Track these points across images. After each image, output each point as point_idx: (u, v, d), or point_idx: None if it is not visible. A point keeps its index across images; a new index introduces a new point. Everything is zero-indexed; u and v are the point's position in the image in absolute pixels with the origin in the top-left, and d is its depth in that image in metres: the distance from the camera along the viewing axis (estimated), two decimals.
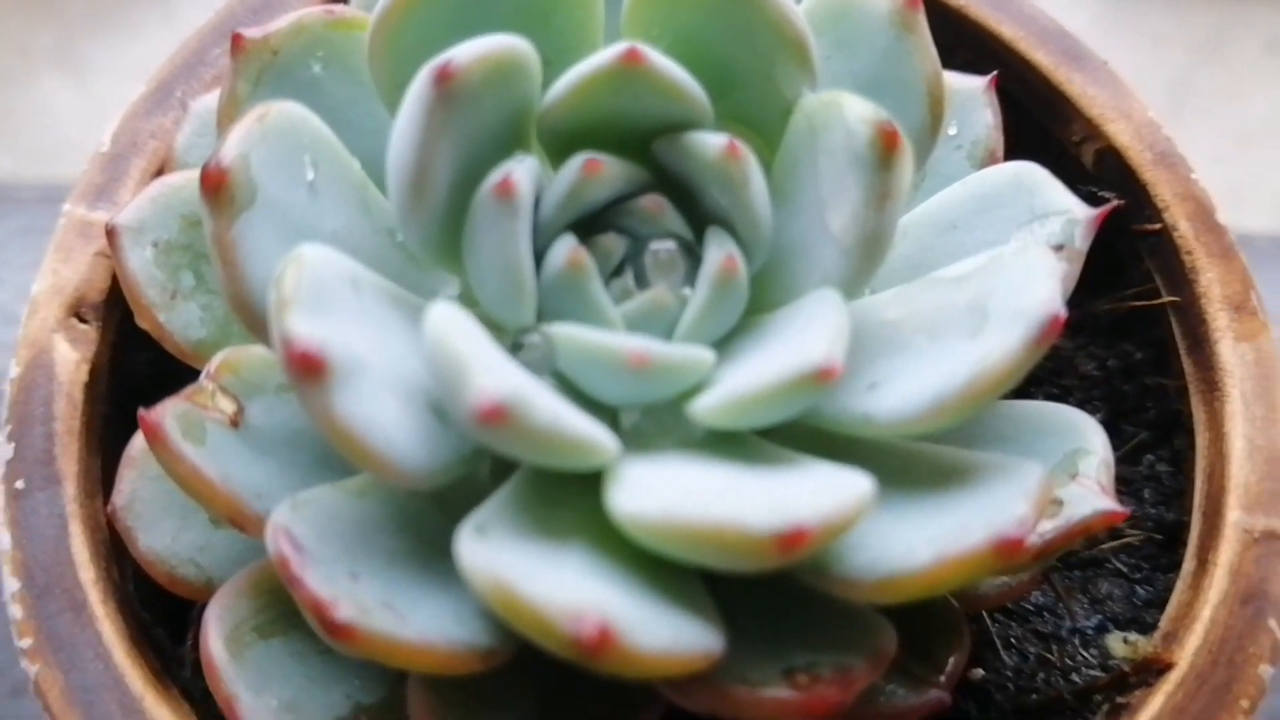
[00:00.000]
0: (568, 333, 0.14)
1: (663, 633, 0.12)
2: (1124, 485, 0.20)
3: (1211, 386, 0.18)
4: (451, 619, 0.13)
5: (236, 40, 0.15)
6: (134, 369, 0.18)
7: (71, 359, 0.17)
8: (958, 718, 0.18)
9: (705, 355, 0.14)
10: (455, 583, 0.13)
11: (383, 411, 0.13)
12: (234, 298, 0.13)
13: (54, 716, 0.15)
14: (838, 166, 0.14)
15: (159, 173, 0.18)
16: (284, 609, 0.15)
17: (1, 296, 0.34)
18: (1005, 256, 0.14)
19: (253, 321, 0.13)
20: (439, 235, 0.14)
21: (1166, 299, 0.19)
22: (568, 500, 0.14)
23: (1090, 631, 0.19)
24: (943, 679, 0.15)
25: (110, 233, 0.15)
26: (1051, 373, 0.21)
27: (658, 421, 0.15)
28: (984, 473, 0.14)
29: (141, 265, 0.15)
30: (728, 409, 0.13)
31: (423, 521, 0.14)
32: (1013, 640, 0.19)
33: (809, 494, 0.12)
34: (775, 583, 0.14)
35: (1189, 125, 0.56)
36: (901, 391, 0.14)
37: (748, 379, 0.13)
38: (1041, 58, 0.19)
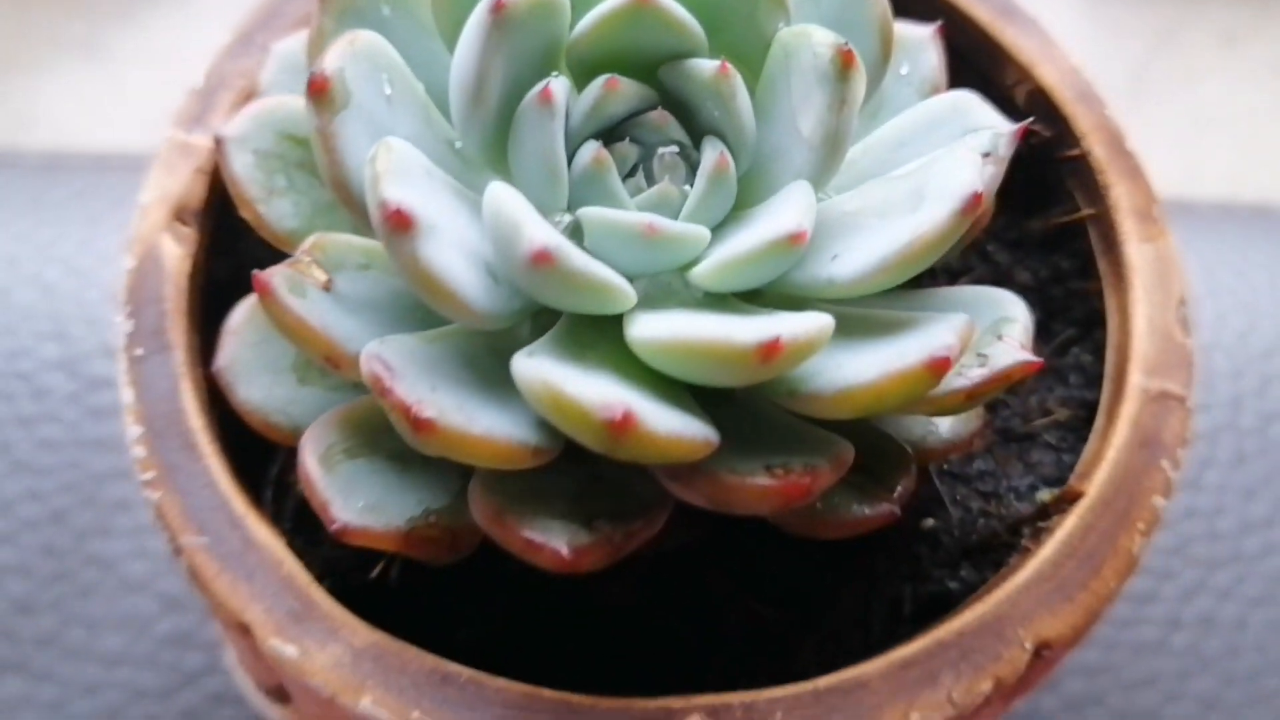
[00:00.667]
0: (593, 212, 0.17)
1: (672, 422, 0.16)
2: (1053, 373, 0.24)
3: (1121, 281, 0.22)
4: (509, 422, 0.16)
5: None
6: (219, 273, 0.22)
7: (176, 253, 0.21)
8: (912, 559, 0.22)
9: (703, 231, 0.18)
10: (511, 400, 0.17)
11: (455, 263, 0.16)
12: (334, 179, 0.17)
13: (174, 534, 0.19)
14: (806, 81, 0.18)
15: (245, 103, 0.22)
16: (365, 438, 0.18)
17: (67, 248, 0.37)
18: (939, 156, 0.18)
19: (348, 198, 0.17)
20: (491, 137, 0.18)
21: (1085, 213, 0.23)
22: (596, 342, 0.17)
23: (1024, 489, 0.22)
24: (894, 497, 0.19)
25: (218, 142, 0.19)
26: (993, 284, 0.25)
27: (664, 287, 0.18)
28: (922, 321, 0.17)
29: (244, 169, 0.19)
30: (719, 271, 0.17)
31: (481, 362, 0.17)
32: (959, 498, 0.23)
33: (784, 322, 0.16)
34: (755, 405, 0.18)
35: (1148, 111, 0.60)
36: (856, 258, 0.17)
37: (735, 247, 0.17)
38: (980, 13, 0.23)
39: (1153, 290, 0.21)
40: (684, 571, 0.21)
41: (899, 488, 0.19)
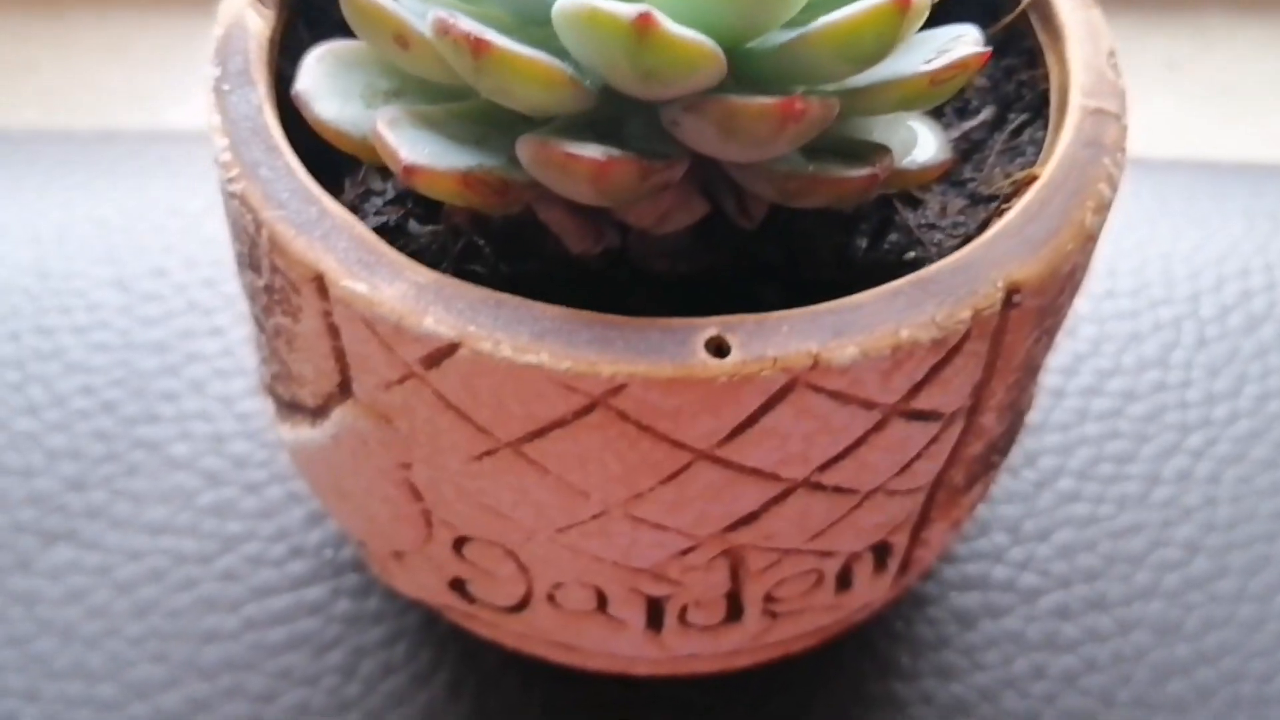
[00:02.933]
0: None
1: (686, 31, 0.19)
2: (1012, 150, 0.27)
3: (1058, 40, 0.25)
4: (549, 57, 0.20)
5: None
6: (293, 47, 0.25)
7: (258, 23, 0.24)
8: (901, 264, 0.25)
9: None
10: (549, 48, 0.20)
11: None
12: None
13: (255, 213, 0.22)
14: None
15: None
16: (426, 119, 0.21)
17: (118, 194, 0.41)
18: None
19: None
20: None
21: (1025, 2, 0.26)
22: None
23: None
24: (875, 165, 0.22)
25: None
26: (956, 95, 0.28)
27: None
28: None
29: None
30: None
31: (522, 27, 0.21)
32: (936, 241, 0.26)
33: None
34: (753, 62, 0.21)
35: None
36: None
37: None
38: None
39: (1085, 43, 0.25)
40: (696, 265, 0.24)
41: (880, 162, 0.22)
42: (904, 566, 0.29)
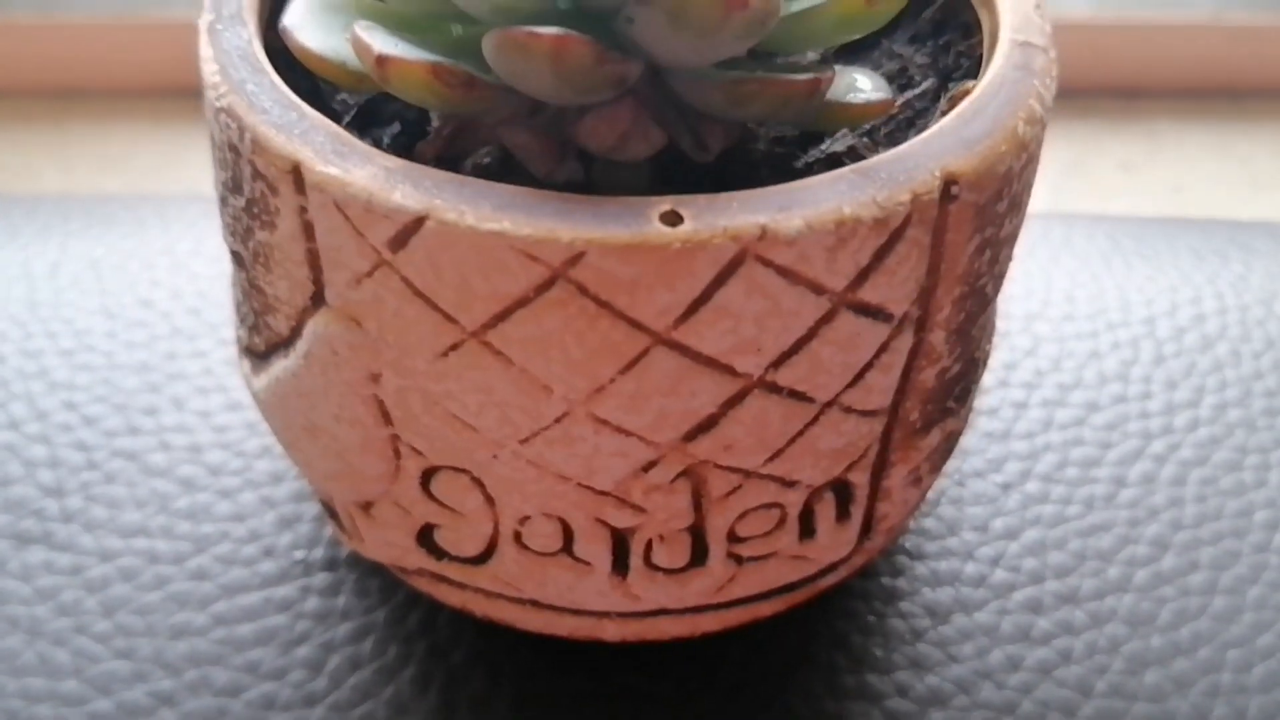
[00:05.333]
0: None
1: None
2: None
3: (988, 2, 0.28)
4: None
5: None
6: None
7: None
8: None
9: None
10: None
11: None
12: None
13: (240, 119, 0.23)
14: None
15: None
16: (400, 30, 0.23)
17: (111, 238, 0.43)
18: None
19: None
20: None
21: None
22: None
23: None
24: (818, 75, 0.23)
25: None
26: (899, 71, 0.30)
27: None
28: None
29: None
30: None
31: None
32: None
33: None
34: None
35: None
36: None
37: None
38: None
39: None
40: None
41: (823, 74, 0.24)
42: (867, 523, 0.29)
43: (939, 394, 0.27)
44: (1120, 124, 0.69)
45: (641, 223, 0.22)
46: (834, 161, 0.28)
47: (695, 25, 0.22)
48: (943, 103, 0.27)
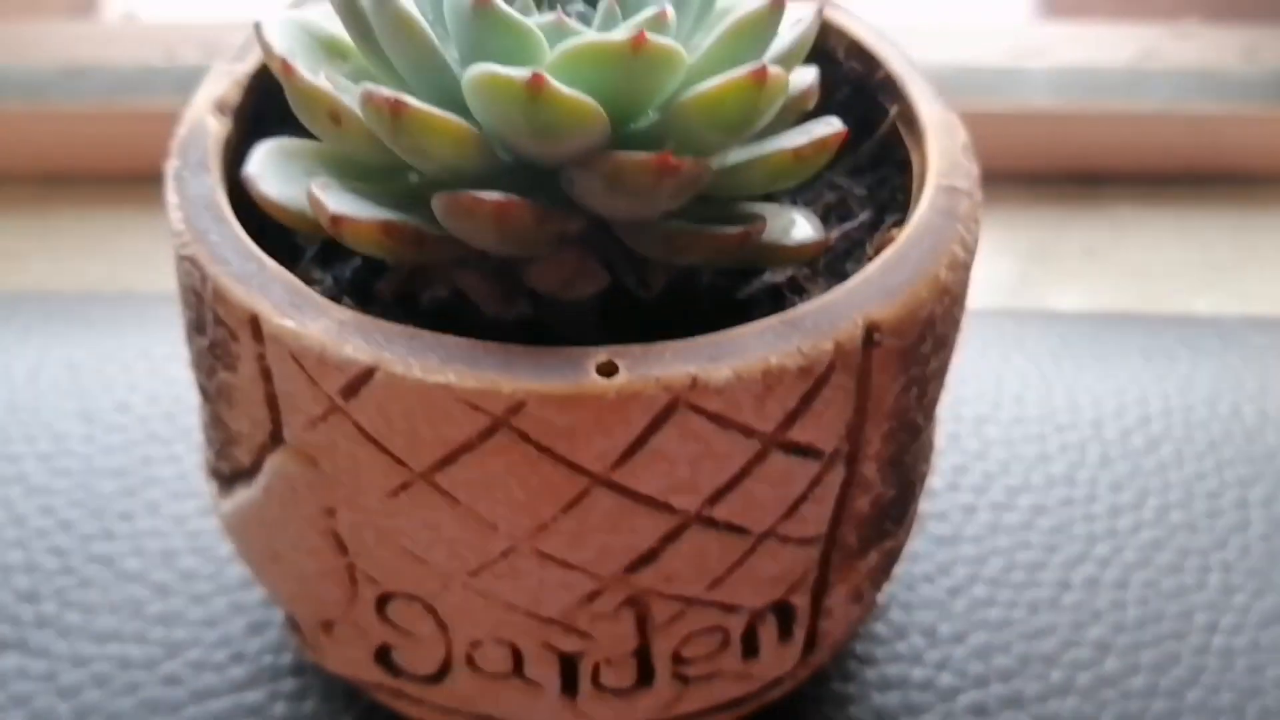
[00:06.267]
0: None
1: (574, 94, 0.22)
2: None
3: (918, 137, 0.29)
4: (457, 116, 0.23)
5: None
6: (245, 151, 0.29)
7: (215, 126, 0.28)
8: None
9: (599, 35, 0.25)
10: (457, 112, 0.23)
11: (421, 17, 0.24)
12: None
13: (203, 269, 0.25)
14: None
15: None
16: (355, 185, 0.25)
17: (90, 338, 0.44)
18: None
19: (350, 5, 0.25)
20: None
21: (893, 112, 0.30)
22: None
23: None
24: (748, 226, 0.25)
25: (256, 26, 0.27)
26: (839, 203, 0.32)
27: None
28: None
29: (275, 38, 0.26)
30: None
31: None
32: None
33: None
34: (633, 133, 0.24)
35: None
36: (708, 35, 0.25)
37: (618, 28, 0.25)
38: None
39: (941, 137, 0.29)
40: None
41: (754, 225, 0.25)
42: (810, 640, 0.30)
43: (875, 519, 0.28)
44: (1084, 209, 0.71)
45: (579, 373, 0.23)
46: (774, 293, 0.29)
47: (630, 188, 0.24)
48: (869, 248, 0.28)
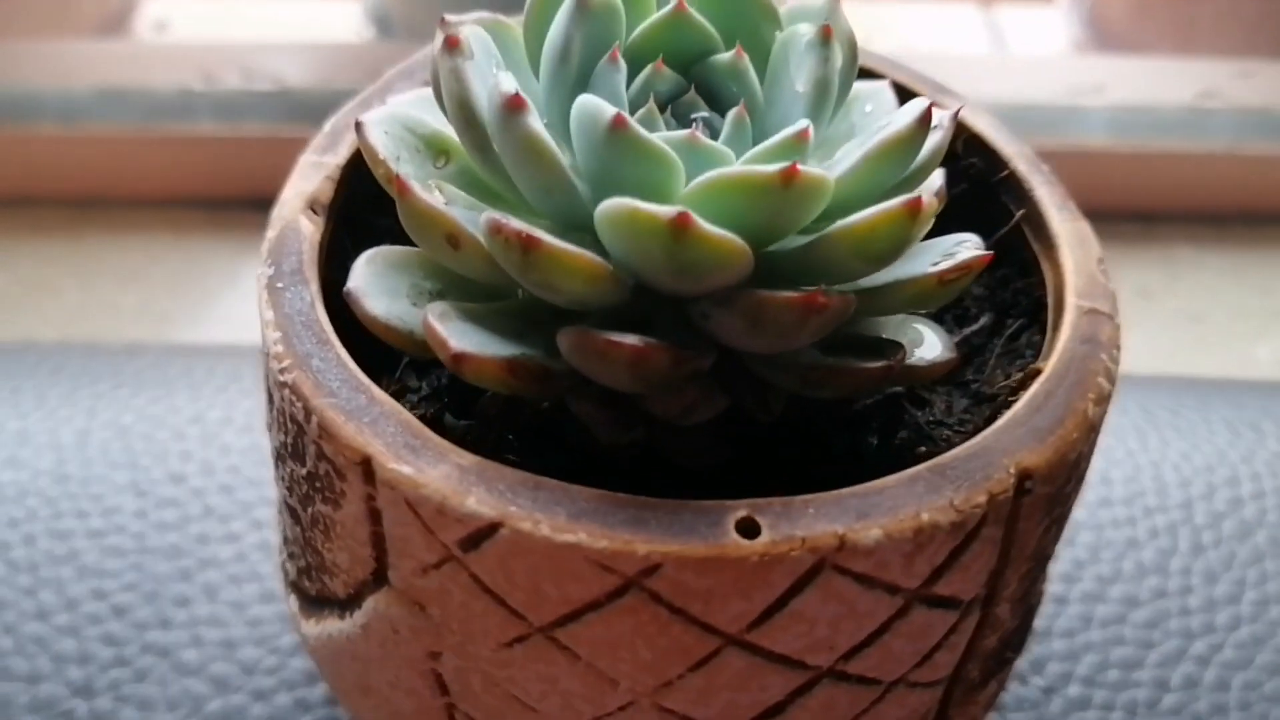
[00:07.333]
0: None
1: (719, 230, 0.21)
2: (1011, 353, 0.29)
3: (1050, 248, 0.27)
4: (594, 250, 0.21)
5: (443, 20, 0.25)
6: (339, 251, 0.27)
7: (309, 228, 0.26)
8: (914, 458, 0.26)
9: (729, 151, 0.24)
10: (590, 247, 0.22)
11: (551, 139, 0.22)
12: (459, 102, 0.23)
13: (306, 400, 0.23)
14: (799, 55, 0.24)
15: None
16: (473, 314, 0.23)
17: (138, 401, 0.42)
18: (900, 110, 0.24)
19: (468, 116, 0.23)
20: (570, 95, 0.24)
21: (1017, 215, 0.29)
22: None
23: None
24: (890, 360, 0.23)
25: (359, 124, 0.25)
26: (955, 302, 0.30)
27: None
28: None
29: (378, 140, 0.25)
30: (749, 162, 0.23)
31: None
32: (945, 438, 0.27)
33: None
34: (775, 261, 0.23)
35: None
36: (847, 160, 0.23)
37: (755, 151, 0.23)
38: (922, 89, 0.30)
39: (1076, 249, 0.27)
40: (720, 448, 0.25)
41: (894, 356, 0.24)
42: None
43: (998, 651, 0.27)
44: (1138, 248, 0.69)
45: (718, 533, 0.21)
46: (891, 402, 0.28)
47: (773, 328, 0.22)
48: (1012, 378, 0.26)
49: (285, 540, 0.28)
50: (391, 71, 0.30)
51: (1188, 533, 0.40)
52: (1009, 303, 0.29)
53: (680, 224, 0.20)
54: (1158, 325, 0.70)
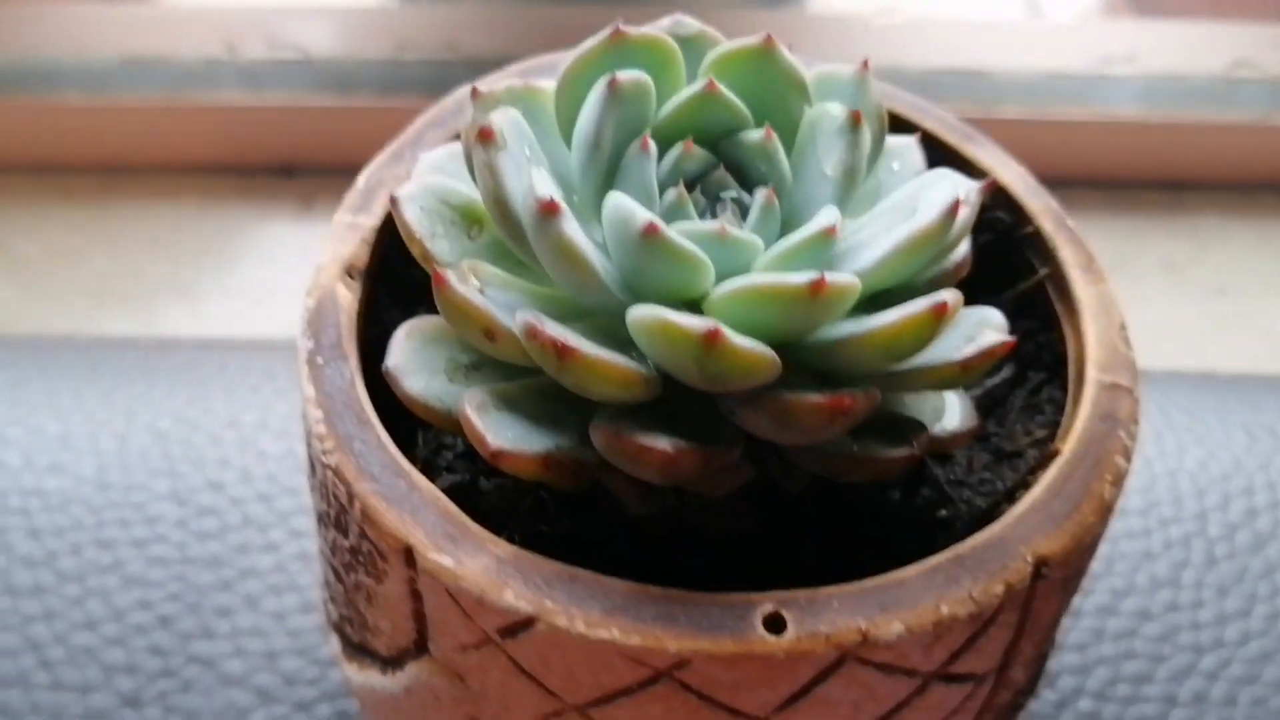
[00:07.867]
0: (678, 224, 0.24)
1: (748, 342, 0.21)
2: (1032, 408, 0.29)
3: (1073, 314, 0.28)
4: (625, 358, 0.22)
5: (475, 91, 0.25)
6: (375, 318, 0.28)
7: (348, 296, 0.27)
8: (934, 521, 0.27)
9: (759, 240, 0.24)
10: (625, 350, 0.22)
11: (587, 243, 0.22)
12: (495, 197, 0.23)
13: (349, 485, 0.24)
14: (828, 137, 0.25)
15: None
16: (509, 403, 0.24)
17: (175, 404, 0.43)
18: (928, 182, 0.24)
19: (505, 212, 0.23)
20: (601, 182, 0.24)
21: (1041, 273, 0.29)
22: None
23: (1012, 484, 0.27)
24: (914, 445, 0.24)
25: (394, 200, 0.25)
26: None
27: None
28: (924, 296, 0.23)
29: (413, 217, 0.25)
30: (772, 261, 0.23)
31: (599, 335, 0.23)
32: (965, 498, 0.28)
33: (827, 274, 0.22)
34: (800, 358, 0.23)
35: None
36: (872, 253, 0.24)
37: (783, 244, 0.23)
38: (949, 136, 0.30)
39: (1099, 316, 0.27)
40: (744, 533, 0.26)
41: (917, 441, 0.24)
42: None
43: (1012, 702, 0.28)
44: (1164, 219, 0.69)
45: (745, 628, 0.22)
46: (917, 479, 0.28)
47: (799, 428, 0.23)
48: (1026, 440, 0.27)
49: (327, 584, 0.29)
50: (421, 120, 0.30)
51: (1202, 545, 0.41)
52: (1031, 356, 0.30)
53: (710, 338, 0.21)
54: (1182, 298, 0.70)
